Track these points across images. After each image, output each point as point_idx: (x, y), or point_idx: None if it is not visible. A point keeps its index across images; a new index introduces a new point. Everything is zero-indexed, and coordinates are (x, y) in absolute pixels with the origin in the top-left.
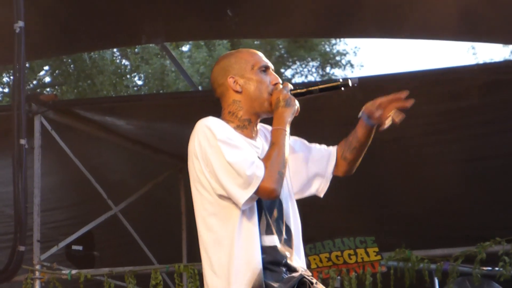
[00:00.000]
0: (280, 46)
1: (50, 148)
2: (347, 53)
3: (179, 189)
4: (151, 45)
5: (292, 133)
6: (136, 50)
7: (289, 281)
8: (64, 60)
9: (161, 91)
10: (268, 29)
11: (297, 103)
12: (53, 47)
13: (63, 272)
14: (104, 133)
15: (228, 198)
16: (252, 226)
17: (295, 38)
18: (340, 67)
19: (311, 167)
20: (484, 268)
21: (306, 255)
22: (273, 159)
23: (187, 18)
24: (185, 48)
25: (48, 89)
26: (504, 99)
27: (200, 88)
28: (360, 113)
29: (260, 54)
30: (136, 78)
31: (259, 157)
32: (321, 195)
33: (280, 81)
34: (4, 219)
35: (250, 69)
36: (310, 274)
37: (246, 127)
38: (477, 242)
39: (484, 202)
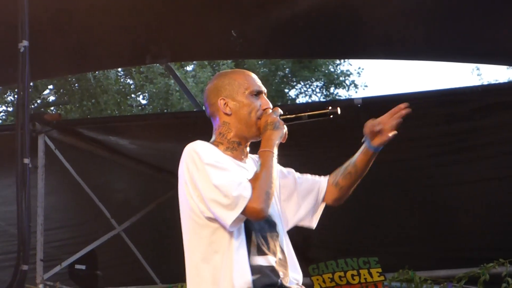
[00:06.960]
0: (284, 66)
1: (54, 167)
2: (351, 73)
3: None
4: (155, 64)
5: (296, 155)
6: (140, 69)
7: None
8: (69, 79)
9: (165, 111)
10: (272, 49)
11: (285, 127)
12: (57, 67)
13: None
14: (108, 153)
15: (216, 220)
16: (239, 248)
17: (299, 58)
18: (344, 87)
19: (302, 197)
20: None
21: (309, 275)
22: (261, 180)
23: (191, 38)
24: (189, 67)
25: (52, 108)
26: (508, 120)
27: (204, 107)
28: (364, 138)
29: (254, 77)
30: (140, 98)
31: (248, 179)
32: (313, 226)
33: (271, 106)
34: (7, 238)
35: (242, 92)
36: None
37: (236, 149)
38: (480, 263)
39: (488, 223)
